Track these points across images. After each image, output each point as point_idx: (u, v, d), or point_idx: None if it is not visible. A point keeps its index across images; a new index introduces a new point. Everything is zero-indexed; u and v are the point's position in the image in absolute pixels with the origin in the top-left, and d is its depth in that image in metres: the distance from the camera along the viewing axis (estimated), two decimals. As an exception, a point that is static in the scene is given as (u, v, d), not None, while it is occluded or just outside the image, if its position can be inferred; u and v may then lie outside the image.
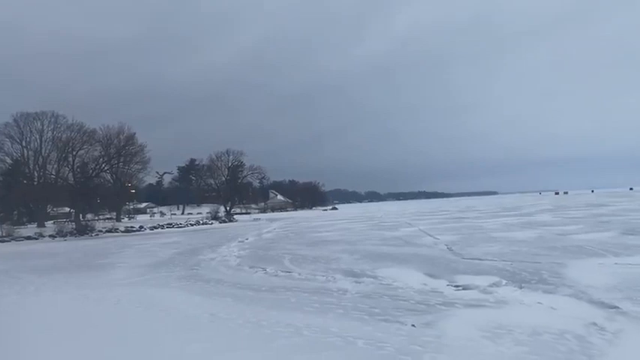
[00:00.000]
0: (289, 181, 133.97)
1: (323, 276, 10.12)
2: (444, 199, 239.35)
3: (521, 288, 7.74)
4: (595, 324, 5.40)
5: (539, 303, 6.64)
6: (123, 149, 50.84)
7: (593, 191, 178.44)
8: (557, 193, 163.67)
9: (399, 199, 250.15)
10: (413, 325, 5.85)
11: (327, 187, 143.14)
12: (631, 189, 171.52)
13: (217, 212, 57.06)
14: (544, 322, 5.63)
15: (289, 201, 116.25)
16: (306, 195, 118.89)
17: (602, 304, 6.29)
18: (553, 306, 6.41)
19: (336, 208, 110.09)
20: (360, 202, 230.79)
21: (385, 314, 6.49)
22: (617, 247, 11.87)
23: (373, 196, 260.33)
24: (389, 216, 44.38)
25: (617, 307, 6.07)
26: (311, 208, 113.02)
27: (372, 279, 9.42)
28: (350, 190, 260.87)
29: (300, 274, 10.68)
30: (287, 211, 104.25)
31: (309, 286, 9.11)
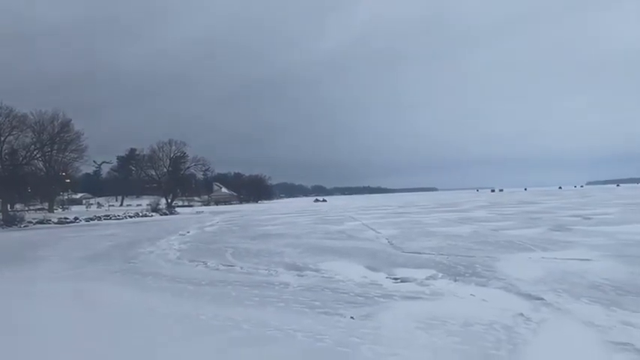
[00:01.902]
0: (234, 173, 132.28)
1: (265, 270, 10.07)
2: (388, 194, 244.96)
3: (455, 281, 8.06)
4: (522, 315, 5.71)
5: (472, 295, 6.94)
6: (57, 136, 48.19)
7: (526, 189, 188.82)
8: (492, 191, 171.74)
9: (345, 194, 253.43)
10: (352, 318, 5.94)
11: (273, 181, 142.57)
12: (560, 188, 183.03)
13: (158, 204, 55.44)
14: (475, 313, 5.89)
15: (234, 194, 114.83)
16: (252, 188, 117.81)
17: (529, 296, 6.66)
18: (485, 298, 6.71)
19: (325, 200, 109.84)
20: (307, 195, 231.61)
21: (325, 307, 6.55)
22: (544, 243, 12.60)
23: (320, 190, 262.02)
24: (334, 210, 44.85)
25: (542, 299, 6.45)
26: (257, 202, 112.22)
27: (314, 272, 9.47)
28: (296, 183, 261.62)
29: (242, 267, 10.57)
30: (232, 204, 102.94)
31: (250, 280, 9.03)
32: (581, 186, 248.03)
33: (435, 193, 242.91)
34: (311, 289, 7.89)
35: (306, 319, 5.94)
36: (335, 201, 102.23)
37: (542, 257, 10.20)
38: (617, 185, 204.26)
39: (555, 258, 9.99)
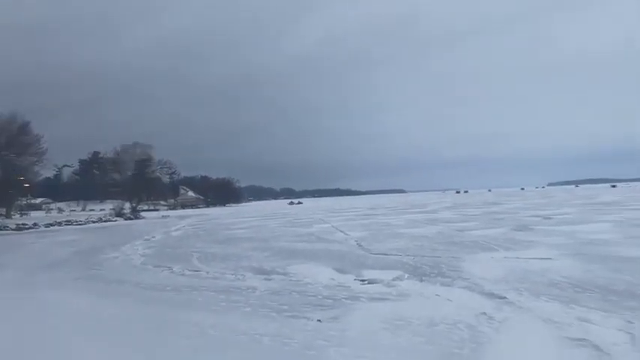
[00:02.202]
0: (201, 176, 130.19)
1: (232, 274, 9.95)
2: (357, 196, 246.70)
3: (421, 281, 8.17)
4: (485, 313, 5.83)
5: (437, 295, 7.05)
6: (15, 139, 46.34)
7: (490, 190, 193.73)
8: (458, 192, 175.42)
9: (315, 196, 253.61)
10: (319, 320, 5.94)
11: (241, 184, 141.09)
12: (522, 189, 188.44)
13: (122, 209, 54.13)
14: (440, 313, 5.98)
15: (201, 197, 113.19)
16: (220, 191, 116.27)
17: (492, 295, 6.81)
18: (449, 298, 6.83)
19: (300, 202, 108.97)
20: (276, 198, 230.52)
21: (293, 310, 6.52)
22: (507, 242, 12.94)
23: (289, 193, 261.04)
24: (304, 212, 44.82)
25: (505, 298, 6.61)
26: (224, 205, 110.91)
27: (282, 276, 9.42)
28: (265, 186, 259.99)
29: (208, 272, 10.42)
30: (198, 208, 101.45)
31: (217, 284, 8.91)
32: (543, 187, 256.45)
33: (403, 194, 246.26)
34: (278, 292, 7.84)
35: (273, 324, 5.90)
36: (306, 203, 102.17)
37: (505, 257, 10.46)
38: (576, 186, 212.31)
39: (517, 257, 10.26)
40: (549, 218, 21.66)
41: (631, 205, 30.31)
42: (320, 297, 7.33)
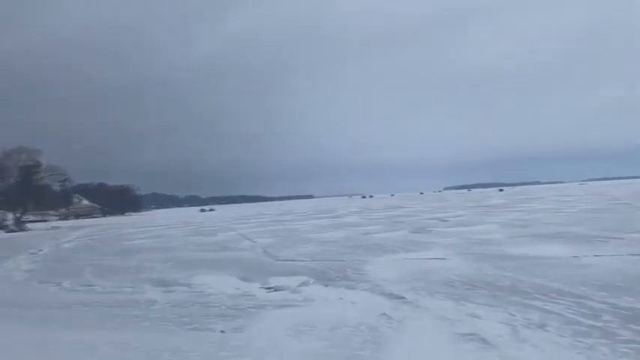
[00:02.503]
0: (98, 184, 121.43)
1: (130, 288, 9.37)
2: (266, 202, 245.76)
3: (326, 286, 8.29)
4: (385, 314, 6.05)
5: (341, 299, 7.19)
6: None
7: (393, 195, 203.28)
8: (364, 197, 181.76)
9: (222, 203, 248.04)
10: (222, 331, 5.77)
11: (142, 191, 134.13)
12: (422, 193, 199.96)
13: (4, 220, 48.89)
14: (344, 316, 6.10)
15: (97, 206, 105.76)
16: (118, 199, 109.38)
17: (392, 296, 7.09)
18: (353, 300, 6.99)
19: (212, 209, 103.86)
20: (180, 206, 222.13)
21: (195, 323, 6.27)
22: (408, 244, 13.60)
23: (194, 200, 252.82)
24: (210, 220, 43.61)
25: (404, 298, 6.91)
26: (123, 214, 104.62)
27: (184, 287, 9.05)
28: (168, 194, 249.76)
29: (103, 287, 9.71)
30: (94, 217, 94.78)
31: (112, 299, 8.33)
32: (440, 191, 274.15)
33: (312, 200, 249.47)
34: (180, 305, 7.51)
35: (173, 338, 5.63)
36: (216, 210, 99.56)
37: (405, 258, 10.97)
38: (469, 190, 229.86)
39: (416, 258, 10.82)
40: (445, 220, 23.16)
41: (515, 207, 33.39)
42: (224, 307, 7.14)
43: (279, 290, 8.20)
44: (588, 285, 6.96)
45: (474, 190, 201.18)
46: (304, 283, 8.61)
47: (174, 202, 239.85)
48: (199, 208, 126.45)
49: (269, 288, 8.48)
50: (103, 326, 6.42)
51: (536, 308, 5.89)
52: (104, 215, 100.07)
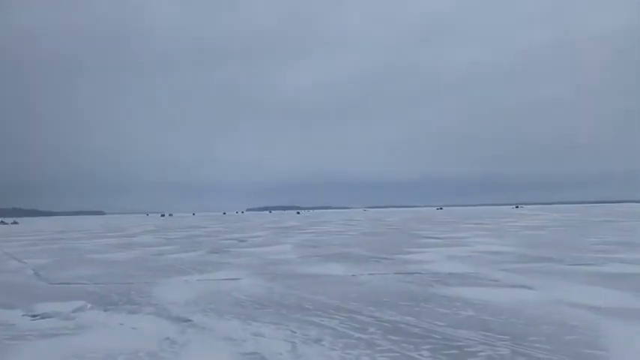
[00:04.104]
0: None
1: None
2: (46, 217, 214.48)
3: (106, 310, 7.54)
4: (168, 338, 5.76)
5: (121, 324, 6.61)
6: None
7: (194, 214, 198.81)
8: (163, 215, 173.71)
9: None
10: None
11: None
12: (224, 213, 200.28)
13: None
14: (121, 343, 5.60)
15: None
16: None
17: (179, 319, 6.82)
18: (134, 326, 6.49)
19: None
20: None
21: None
22: (202, 265, 13.33)
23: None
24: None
25: (191, 320, 6.71)
26: None
27: None
28: None
29: None
30: None
31: None
32: (242, 212, 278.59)
33: (102, 217, 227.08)
34: None
35: None
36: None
37: (198, 279, 10.72)
38: (270, 212, 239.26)
39: (209, 279, 10.66)
40: (244, 240, 23.50)
41: (308, 229, 35.81)
42: (-33, 342, 5.88)
43: (47, 317, 7.16)
44: (360, 301, 7.80)
45: (274, 212, 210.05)
46: (80, 309, 7.69)
47: None
48: None
49: (34, 315, 7.33)
50: None
51: (315, 324, 6.33)
52: None
